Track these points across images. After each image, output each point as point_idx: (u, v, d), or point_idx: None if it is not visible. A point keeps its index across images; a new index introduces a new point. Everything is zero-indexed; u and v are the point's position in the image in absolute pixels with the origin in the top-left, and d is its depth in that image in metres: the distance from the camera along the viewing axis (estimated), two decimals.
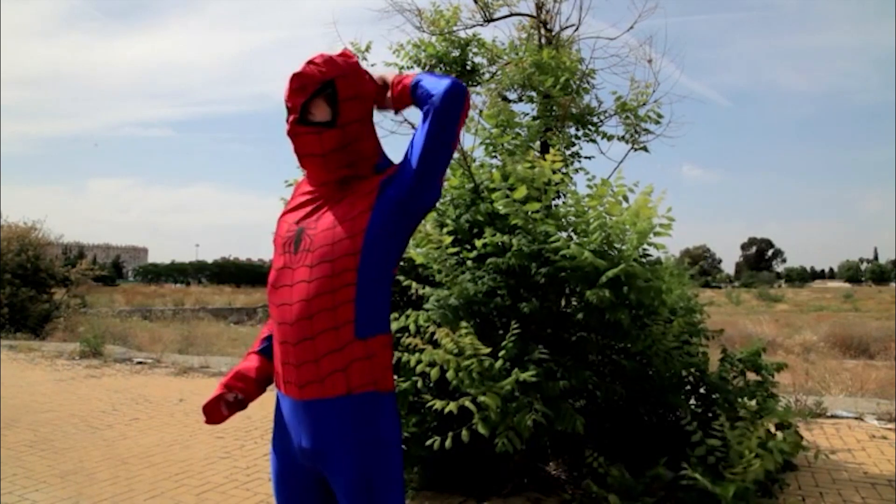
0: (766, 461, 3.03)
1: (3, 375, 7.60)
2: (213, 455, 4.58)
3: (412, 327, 3.40)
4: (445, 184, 4.05)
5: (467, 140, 4.20)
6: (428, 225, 3.74)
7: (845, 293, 54.48)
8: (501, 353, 3.17)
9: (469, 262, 3.65)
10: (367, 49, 4.49)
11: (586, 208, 3.61)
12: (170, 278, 77.96)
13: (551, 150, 3.62)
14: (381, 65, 4.63)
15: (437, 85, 1.44)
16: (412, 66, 4.73)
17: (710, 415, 3.66)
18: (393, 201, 1.45)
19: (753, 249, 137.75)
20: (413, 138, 1.48)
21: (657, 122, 4.37)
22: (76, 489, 3.83)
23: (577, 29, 4.69)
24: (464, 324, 3.18)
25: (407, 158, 1.47)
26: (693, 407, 3.77)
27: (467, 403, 3.03)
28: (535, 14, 4.72)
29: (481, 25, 4.80)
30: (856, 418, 5.64)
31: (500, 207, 3.48)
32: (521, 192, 3.43)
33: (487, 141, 4.20)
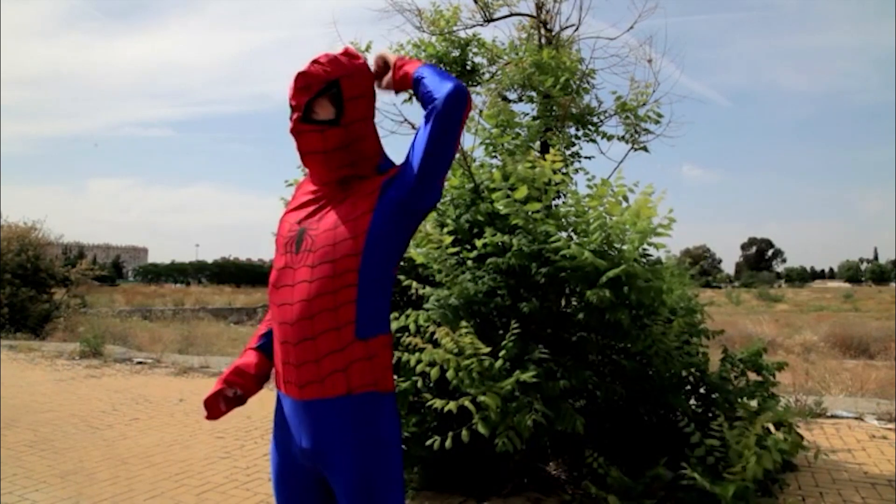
0: (765, 460, 3.03)
1: (3, 375, 7.60)
2: (213, 455, 4.58)
3: (412, 327, 3.40)
4: (446, 184, 4.05)
5: (467, 140, 4.21)
6: (428, 225, 3.74)
7: (845, 293, 54.49)
8: (501, 352, 3.17)
9: (469, 262, 3.65)
10: (368, 49, 4.49)
11: (586, 208, 3.61)
12: (170, 278, 77.97)
13: (552, 150, 3.62)
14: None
15: (439, 87, 1.44)
16: None
17: (710, 415, 3.66)
18: (394, 202, 1.46)
19: (753, 249, 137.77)
20: (414, 139, 1.48)
21: (657, 122, 4.37)
22: (76, 489, 3.83)
23: (577, 29, 4.70)
24: (464, 323, 3.18)
25: (408, 160, 1.47)
26: (693, 407, 3.77)
27: (467, 403, 3.03)
28: (535, 14, 4.72)
29: (481, 25, 4.81)
30: (856, 418, 5.64)
31: (501, 207, 3.48)
32: (522, 191, 3.43)
33: (487, 141, 4.20)
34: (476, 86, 4.68)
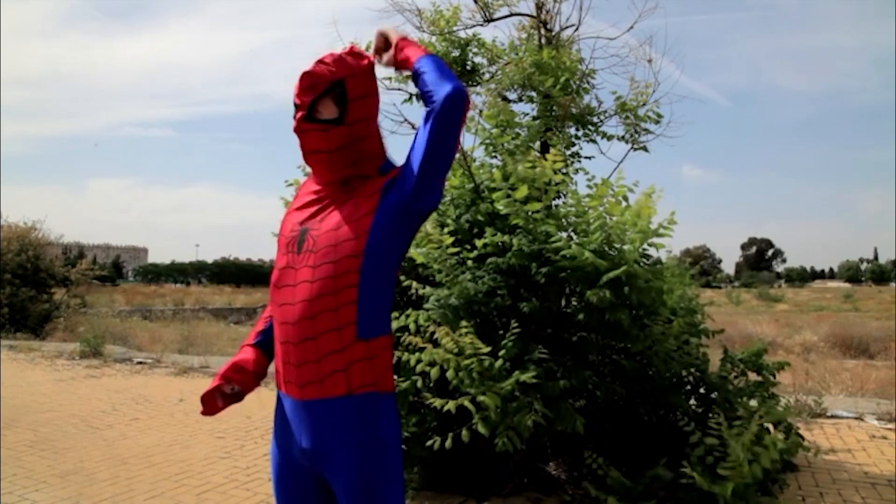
0: (763, 459, 3.04)
1: (3, 375, 7.60)
2: (213, 455, 4.58)
3: (412, 327, 3.41)
4: (446, 184, 4.04)
5: (467, 140, 4.21)
6: (428, 225, 3.74)
7: (845, 293, 54.50)
8: (501, 352, 3.17)
9: (469, 262, 3.65)
10: (368, 49, 4.47)
11: (587, 208, 3.61)
12: (170, 278, 77.95)
13: (552, 150, 3.62)
14: (380, 65, 4.62)
15: (438, 88, 1.43)
16: None
17: (710, 415, 3.66)
18: (395, 203, 1.46)
19: (753, 249, 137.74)
20: (415, 140, 1.48)
21: (657, 122, 4.37)
22: (76, 489, 3.83)
23: (577, 29, 4.69)
24: (464, 323, 3.18)
25: (409, 161, 1.47)
26: (693, 407, 3.77)
27: (466, 403, 3.03)
28: (535, 14, 4.72)
29: (481, 25, 4.81)
30: (856, 418, 5.64)
31: (501, 207, 3.48)
32: (522, 191, 3.43)
33: (487, 141, 4.20)
34: (476, 86, 4.68)
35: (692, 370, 3.82)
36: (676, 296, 4.06)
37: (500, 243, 3.60)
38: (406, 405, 3.45)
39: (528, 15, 4.79)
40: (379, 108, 1.61)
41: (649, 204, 3.43)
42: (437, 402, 3.11)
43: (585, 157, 4.52)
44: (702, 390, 3.89)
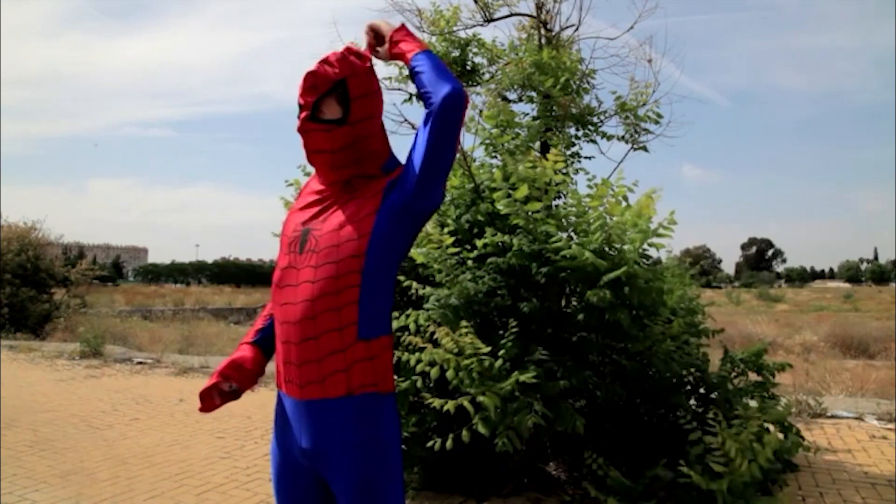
0: (759, 457, 3.04)
1: (3, 375, 7.60)
2: (213, 455, 4.58)
3: (412, 327, 3.41)
4: (446, 184, 4.05)
5: (467, 140, 4.21)
6: (428, 225, 3.74)
7: (845, 293, 54.51)
8: (501, 352, 3.17)
9: (469, 262, 3.65)
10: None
11: (587, 208, 3.61)
12: (170, 278, 77.91)
13: (553, 151, 3.62)
14: (380, 65, 4.63)
15: (436, 89, 1.44)
16: None
17: (710, 415, 3.67)
18: (397, 204, 1.47)
19: (753, 249, 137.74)
20: (415, 141, 1.48)
21: (657, 122, 4.36)
22: (76, 489, 3.83)
23: (577, 29, 4.68)
24: (464, 323, 3.18)
25: (409, 162, 1.48)
26: (693, 407, 3.77)
27: (465, 403, 3.03)
28: (535, 14, 4.71)
29: (481, 25, 4.80)
30: (856, 418, 5.64)
31: (502, 207, 3.48)
32: (523, 191, 3.43)
33: (487, 141, 4.20)
34: (476, 86, 4.68)
35: (692, 370, 3.83)
36: (677, 296, 4.06)
37: (500, 243, 3.60)
38: (406, 405, 3.45)
39: (528, 15, 4.79)
40: (382, 107, 1.61)
41: (650, 204, 3.43)
42: (437, 403, 3.11)
43: (585, 158, 4.52)
44: (702, 390, 3.89)
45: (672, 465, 3.30)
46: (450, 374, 3.08)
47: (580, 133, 4.50)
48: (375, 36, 1.60)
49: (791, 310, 34.47)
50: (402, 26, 1.58)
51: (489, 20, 4.78)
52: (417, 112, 6.36)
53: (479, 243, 3.62)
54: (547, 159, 3.56)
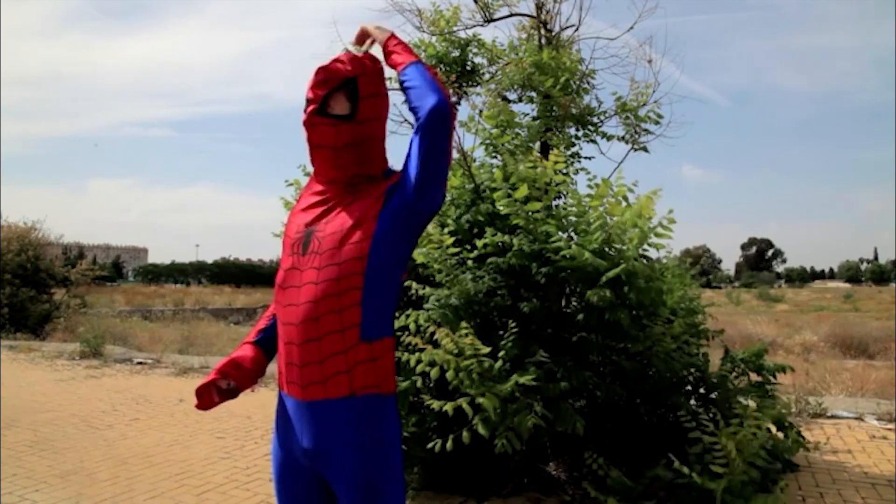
0: (746, 450, 3.04)
1: (3, 375, 7.60)
2: (213, 455, 4.58)
3: (412, 327, 3.41)
4: (446, 184, 4.05)
5: (467, 140, 4.21)
6: (429, 225, 3.74)
7: (845, 293, 54.52)
8: (501, 353, 3.17)
9: (469, 262, 3.65)
10: (367, 49, 4.48)
11: (587, 208, 3.61)
12: (170, 278, 77.85)
13: (554, 151, 3.62)
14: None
15: (423, 102, 1.46)
16: None
17: (710, 415, 3.67)
18: (398, 208, 1.48)
19: (753, 249, 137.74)
20: (409, 149, 1.50)
21: (657, 123, 4.36)
22: (76, 489, 3.83)
23: (577, 29, 4.68)
24: (464, 324, 3.18)
25: (406, 167, 1.50)
26: (694, 407, 3.77)
27: (465, 405, 3.03)
28: (535, 14, 4.71)
29: (481, 26, 4.80)
30: (856, 418, 5.65)
31: (502, 207, 3.48)
32: (523, 191, 3.44)
33: (487, 141, 4.20)
34: (476, 86, 4.68)
35: (692, 370, 3.83)
36: (677, 296, 4.07)
37: (500, 243, 3.60)
38: (406, 405, 3.45)
39: (528, 15, 4.79)
40: (388, 111, 1.64)
41: (649, 204, 3.43)
42: (436, 405, 3.11)
43: (585, 158, 4.53)
44: (702, 390, 3.89)
45: (672, 464, 3.31)
46: (450, 374, 3.08)
47: (580, 133, 4.51)
48: (362, 36, 1.65)
49: (791, 310, 34.49)
50: (393, 35, 1.61)
51: (489, 20, 4.78)
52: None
53: (479, 243, 3.62)
54: (547, 159, 3.56)
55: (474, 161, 4.20)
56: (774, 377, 4.15)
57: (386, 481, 1.45)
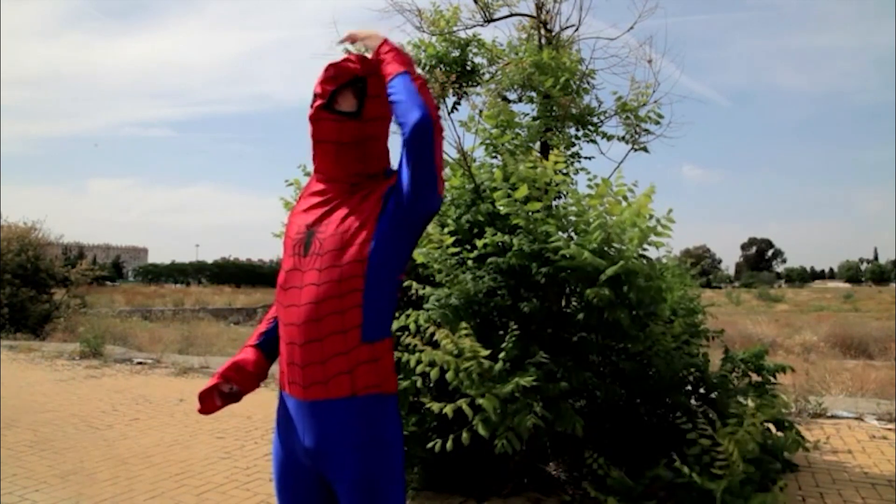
0: (750, 452, 3.04)
1: (3, 375, 7.60)
2: (213, 455, 4.58)
3: (412, 327, 3.41)
4: (446, 184, 4.06)
5: (467, 140, 4.21)
6: (429, 225, 3.74)
7: (845, 293, 54.53)
8: (501, 354, 3.17)
9: (469, 262, 3.65)
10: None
11: (586, 207, 3.61)
12: (170, 278, 77.81)
13: (554, 151, 3.62)
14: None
15: (407, 117, 1.45)
16: None
17: (710, 415, 3.67)
18: (396, 211, 1.48)
19: (753, 249, 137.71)
20: (401, 157, 1.51)
21: (657, 123, 4.36)
22: (76, 489, 3.83)
23: (577, 29, 4.68)
24: (463, 325, 3.18)
25: (400, 173, 1.50)
26: (695, 406, 3.77)
27: (464, 407, 3.03)
28: (535, 14, 4.71)
29: (481, 26, 4.80)
30: (856, 418, 5.65)
31: (502, 207, 3.48)
32: (523, 191, 3.44)
33: (487, 141, 4.20)
34: (476, 86, 4.68)
35: (692, 370, 3.83)
36: (677, 296, 4.07)
37: (500, 243, 3.60)
38: (406, 405, 3.45)
39: (528, 15, 4.79)
40: (392, 113, 1.63)
41: (647, 203, 3.43)
42: (435, 407, 3.11)
43: (585, 158, 4.53)
44: (702, 390, 3.89)
45: (672, 464, 3.31)
46: (450, 375, 3.08)
47: (580, 133, 4.51)
48: (350, 39, 1.66)
49: (791, 310, 34.50)
50: (386, 41, 1.59)
51: (489, 20, 4.78)
52: None
53: (479, 243, 3.62)
54: (547, 159, 3.56)
55: (474, 161, 4.20)
56: (774, 377, 4.15)
57: (386, 481, 1.46)
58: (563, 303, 3.78)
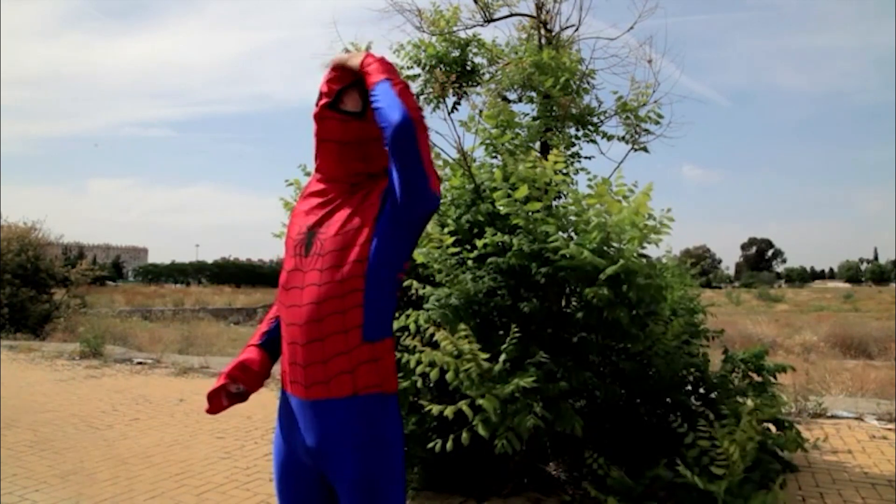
0: (740, 442, 3.04)
1: (3, 375, 7.60)
2: (213, 455, 4.58)
3: (412, 327, 3.41)
4: (446, 184, 4.06)
5: (467, 140, 4.21)
6: (429, 225, 3.73)
7: (845, 293, 54.55)
8: (502, 356, 3.17)
9: (469, 262, 3.65)
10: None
11: (586, 207, 3.61)
12: (170, 278, 77.82)
13: (554, 151, 3.62)
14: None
15: (387, 121, 1.43)
16: (412, 67, 4.74)
17: (709, 416, 3.67)
18: (393, 211, 1.48)
19: (753, 249, 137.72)
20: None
21: (657, 123, 4.36)
22: (76, 489, 3.83)
23: (577, 29, 4.69)
24: (462, 326, 3.18)
25: (391, 174, 1.48)
26: (695, 406, 3.77)
27: (464, 408, 3.03)
28: (535, 14, 4.72)
29: (481, 26, 4.81)
30: (856, 418, 5.65)
31: (502, 207, 3.48)
32: (523, 191, 3.44)
33: (487, 141, 4.20)
34: (476, 86, 4.68)
35: (692, 370, 3.83)
36: (677, 296, 4.06)
37: (500, 243, 3.60)
38: (406, 405, 3.45)
39: (528, 15, 4.79)
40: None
41: (646, 202, 3.43)
42: (435, 409, 3.11)
43: (585, 158, 4.53)
44: (702, 390, 3.89)
45: (672, 465, 3.31)
46: (449, 376, 3.09)
47: (580, 133, 4.51)
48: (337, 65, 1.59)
49: (791, 310, 34.51)
50: (369, 55, 1.57)
51: (489, 20, 4.78)
52: None
53: (479, 243, 3.62)
54: (547, 159, 3.56)
55: (474, 161, 4.20)
56: (775, 377, 4.15)
57: (387, 481, 1.46)
58: (563, 303, 3.78)
